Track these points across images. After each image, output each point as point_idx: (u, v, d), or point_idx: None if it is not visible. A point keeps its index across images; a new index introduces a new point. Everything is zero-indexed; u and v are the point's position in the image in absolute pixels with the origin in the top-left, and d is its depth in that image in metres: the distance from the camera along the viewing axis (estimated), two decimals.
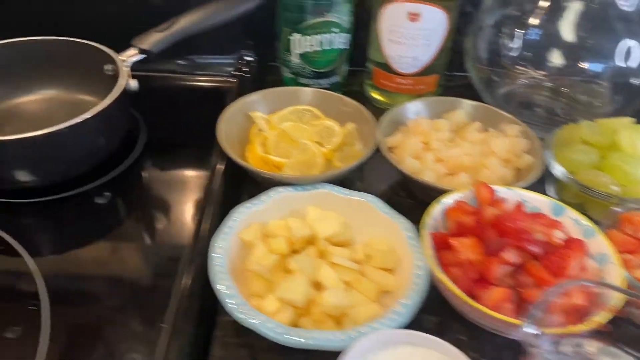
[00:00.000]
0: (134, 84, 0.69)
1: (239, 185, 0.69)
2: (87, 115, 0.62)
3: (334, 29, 0.77)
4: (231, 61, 0.90)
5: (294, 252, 0.57)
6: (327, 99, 0.74)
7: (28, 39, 0.75)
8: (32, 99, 0.78)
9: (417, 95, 0.82)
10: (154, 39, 0.72)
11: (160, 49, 0.73)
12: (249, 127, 0.73)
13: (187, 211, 0.65)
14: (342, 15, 0.77)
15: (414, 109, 0.74)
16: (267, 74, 0.91)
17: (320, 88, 0.79)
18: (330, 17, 0.76)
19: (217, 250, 0.54)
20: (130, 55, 0.72)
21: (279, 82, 0.87)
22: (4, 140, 0.59)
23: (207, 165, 0.71)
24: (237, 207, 0.59)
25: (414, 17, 0.75)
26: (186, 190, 0.69)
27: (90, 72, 0.75)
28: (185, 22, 0.74)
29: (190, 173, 0.72)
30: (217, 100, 0.84)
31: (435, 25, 0.76)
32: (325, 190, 0.61)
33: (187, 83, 0.88)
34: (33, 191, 0.65)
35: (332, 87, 0.82)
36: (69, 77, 0.77)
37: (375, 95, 0.85)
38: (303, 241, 0.57)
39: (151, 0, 0.84)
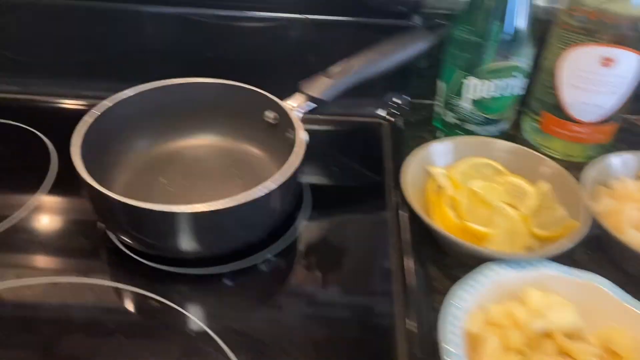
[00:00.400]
0: (305, 136, 0.62)
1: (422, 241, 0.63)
2: (273, 185, 0.55)
3: (514, 73, 0.70)
4: (377, 102, 0.83)
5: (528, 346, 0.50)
6: (521, 155, 0.66)
7: (186, 80, 0.69)
8: (190, 143, 0.71)
9: (587, 144, 0.75)
10: (325, 85, 0.66)
11: (332, 96, 0.66)
12: (423, 179, 0.66)
13: (376, 272, 0.59)
14: (525, 58, 0.69)
15: (615, 165, 0.66)
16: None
17: (488, 136, 0.73)
18: (513, 61, 0.68)
19: (450, 344, 0.47)
20: (301, 104, 0.65)
21: (425, 124, 0.81)
22: (177, 212, 0.52)
23: (381, 219, 0.65)
24: (454, 289, 0.52)
25: (607, 62, 0.67)
26: (364, 248, 0.63)
27: (249, 118, 0.69)
28: (359, 66, 0.67)
29: (363, 226, 0.66)
30: (371, 145, 0.78)
31: (629, 71, 0.68)
32: (547, 270, 0.54)
33: (336, 127, 0.82)
34: (194, 261, 0.59)
35: (501, 135, 0.75)
36: (227, 122, 0.71)
37: (539, 140, 0.78)
38: (537, 334, 0.50)
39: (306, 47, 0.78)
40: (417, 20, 0.75)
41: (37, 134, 0.74)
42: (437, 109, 0.78)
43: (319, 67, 0.68)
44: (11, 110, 0.79)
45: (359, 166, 0.75)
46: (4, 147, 0.73)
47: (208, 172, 0.68)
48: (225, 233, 0.56)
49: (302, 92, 0.66)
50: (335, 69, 0.67)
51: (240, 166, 0.69)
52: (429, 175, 0.66)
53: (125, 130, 0.67)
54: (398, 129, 0.79)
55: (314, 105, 0.66)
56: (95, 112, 0.63)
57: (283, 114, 0.65)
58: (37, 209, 0.64)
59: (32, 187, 0.66)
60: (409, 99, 0.83)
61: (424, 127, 0.81)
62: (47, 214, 0.64)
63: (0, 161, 0.71)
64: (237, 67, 0.72)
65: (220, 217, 0.54)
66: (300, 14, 0.76)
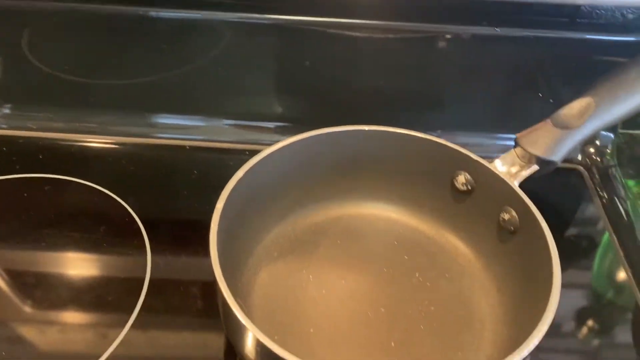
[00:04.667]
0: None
1: None
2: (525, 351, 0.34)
3: None
4: None
5: None
6: None
7: (338, 129, 0.48)
8: (346, 214, 0.51)
9: None
10: (553, 138, 0.45)
11: (564, 155, 0.45)
12: None
13: None
14: None
15: None
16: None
17: None
18: None
19: None
20: (520, 168, 0.45)
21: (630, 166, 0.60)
22: None
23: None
24: None
25: None
26: None
27: (431, 182, 0.49)
28: (600, 107, 0.45)
29: None
30: (571, 205, 0.58)
31: None
32: None
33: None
34: None
35: None
36: (397, 186, 0.50)
37: None
38: None
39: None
40: None
41: (116, 200, 0.53)
42: None
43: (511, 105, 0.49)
44: (57, 157, 0.58)
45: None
46: (90, 221, 0.52)
47: (372, 260, 0.48)
48: None
49: (523, 149, 0.45)
50: (566, 112, 0.46)
51: (419, 256, 0.48)
52: None
53: (260, 202, 0.47)
54: (607, 178, 0.58)
55: (536, 168, 0.45)
56: (227, 188, 0.42)
57: (490, 183, 0.45)
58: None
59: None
60: (613, 136, 0.61)
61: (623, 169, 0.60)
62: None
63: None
64: (356, 96, 0.55)
65: None
66: (479, 24, 0.54)
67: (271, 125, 0.62)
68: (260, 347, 0.34)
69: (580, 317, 0.47)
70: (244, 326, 0.34)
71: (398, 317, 0.43)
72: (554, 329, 0.44)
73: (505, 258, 0.44)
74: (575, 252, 0.54)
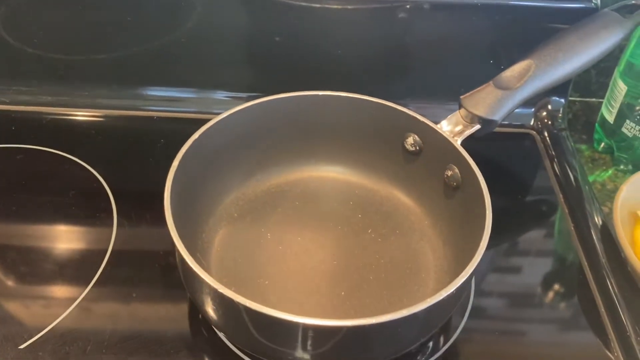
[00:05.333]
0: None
1: None
2: (452, 288, 0.37)
3: None
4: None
5: None
6: None
7: (292, 95, 0.50)
8: (301, 177, 0.53)
9: None
10: (494, 99, 0.47)
11: (504, 115, 0.48)
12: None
13: None
14: None
15: None
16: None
17: None
18: None
19: None
20: (464, 128, 0.47)
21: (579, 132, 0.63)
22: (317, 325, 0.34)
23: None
24: None
25: None
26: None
27: (382, 144, 0.51)
28: (539, 69, 0.48)
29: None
30: (523, 167, 0.60)
31: None
32: None
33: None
34: None
35: None
36: (351, 150, 0.53)
37: None
38: None
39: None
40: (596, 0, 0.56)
41: (86, 168, 0.56)
42: (606, 114, 0.60)
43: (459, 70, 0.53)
44: (29, 129, 0.60)
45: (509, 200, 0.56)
46: (60, 187, 0.54)
47: (328, 219, 0.50)
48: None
49: (466, 110, 0.47)
50: (507, 74, 0.48)
51: (370, 211, 0.51)
52: None
53: (219, 164, 0.49)
54: (546, 141, 0.61)
55: (478, 127, 0.48)
56: (183, 148, 0.45)
57: (436, 142, 0.47)
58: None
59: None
60: (564, 101, 0.63)
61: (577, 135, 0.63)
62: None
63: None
64: (327, 66, 0.57)
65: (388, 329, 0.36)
66: None
67: (243, 95, 0.63)
68: (216, 295, 0.36)
69: (547, 282, 0.49)
70: (200, 277, 0.36)
71: (349, 270, 0.46)
72: (526, 298, 0.47)
73: (450, 213, 0.47)
74: (536, 217, 0.56)
